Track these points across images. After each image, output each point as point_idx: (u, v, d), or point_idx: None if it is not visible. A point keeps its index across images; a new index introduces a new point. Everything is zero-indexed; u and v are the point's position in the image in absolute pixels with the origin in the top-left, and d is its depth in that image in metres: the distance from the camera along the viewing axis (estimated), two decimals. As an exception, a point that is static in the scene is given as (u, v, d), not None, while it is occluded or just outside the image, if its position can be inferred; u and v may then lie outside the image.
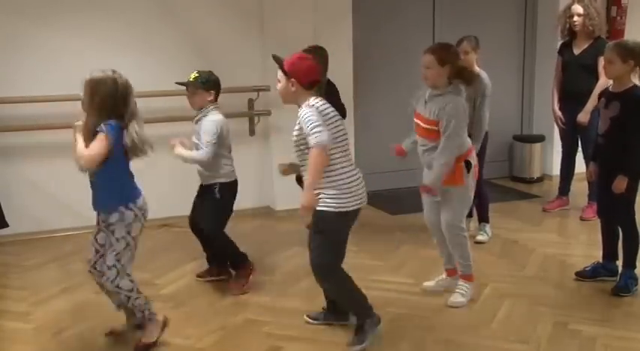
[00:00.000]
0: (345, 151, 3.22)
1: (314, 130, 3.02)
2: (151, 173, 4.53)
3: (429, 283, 4.04)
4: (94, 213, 3.30)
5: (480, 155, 3.93)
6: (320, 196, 3.15)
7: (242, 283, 4.05)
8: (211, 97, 3.97)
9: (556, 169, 5.98)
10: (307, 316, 3.62)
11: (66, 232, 5.15)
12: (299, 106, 3.19)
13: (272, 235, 4.34)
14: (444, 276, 4.02)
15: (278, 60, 3.22)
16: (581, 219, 5.36)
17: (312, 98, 3.18)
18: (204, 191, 4.08)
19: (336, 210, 3.15)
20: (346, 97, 5.58)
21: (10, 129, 4.98)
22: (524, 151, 6.81)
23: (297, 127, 3.16)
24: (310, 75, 3.18)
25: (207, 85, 3.95)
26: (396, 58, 6.26)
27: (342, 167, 3.18)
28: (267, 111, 5.59)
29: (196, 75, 3.96)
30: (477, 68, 4.61)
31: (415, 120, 3.73)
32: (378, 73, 6.29)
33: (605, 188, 3.83)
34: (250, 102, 5.58)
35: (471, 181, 3.69)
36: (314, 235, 3.25)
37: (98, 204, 3.24)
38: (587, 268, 4.08)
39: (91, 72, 3.11)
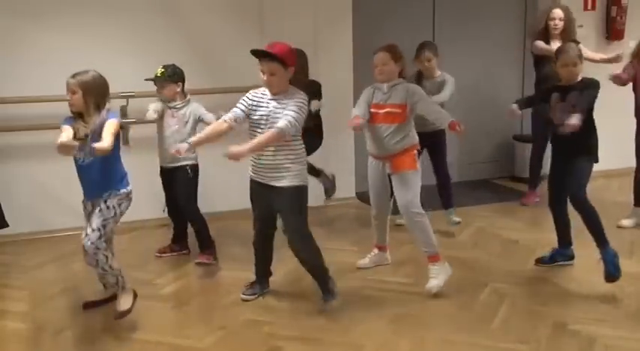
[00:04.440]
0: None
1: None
2: (149, 173, 4.55)
3: (363, 261, 4.34)
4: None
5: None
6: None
7: (210, 253, 4.47)
8: (179, 89, 4.32)
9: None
10: (242, 293, 3.88)
11: (66, 232, 5.14)
12: (286, 93, 3.52)
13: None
14: (376, 251, 4.36)
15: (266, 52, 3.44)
16: (522, 204, 5.84)
17: None
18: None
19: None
20: (346, 96, 5.60)
21: (10, 129, 4.98)
22: (524, 151, 6.79)
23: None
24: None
25: (174, 78, 4.29)
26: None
27: None
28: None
29: (163, 70, 4.28)
30: (438, 72, 4.96)
31: (373, 110, 3.97)
32: (378, 73, 6.28)
33: (561, 179, 4.05)
34: (250, 102, 5.58)
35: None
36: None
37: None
38: (545, 256, 4.32)
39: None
